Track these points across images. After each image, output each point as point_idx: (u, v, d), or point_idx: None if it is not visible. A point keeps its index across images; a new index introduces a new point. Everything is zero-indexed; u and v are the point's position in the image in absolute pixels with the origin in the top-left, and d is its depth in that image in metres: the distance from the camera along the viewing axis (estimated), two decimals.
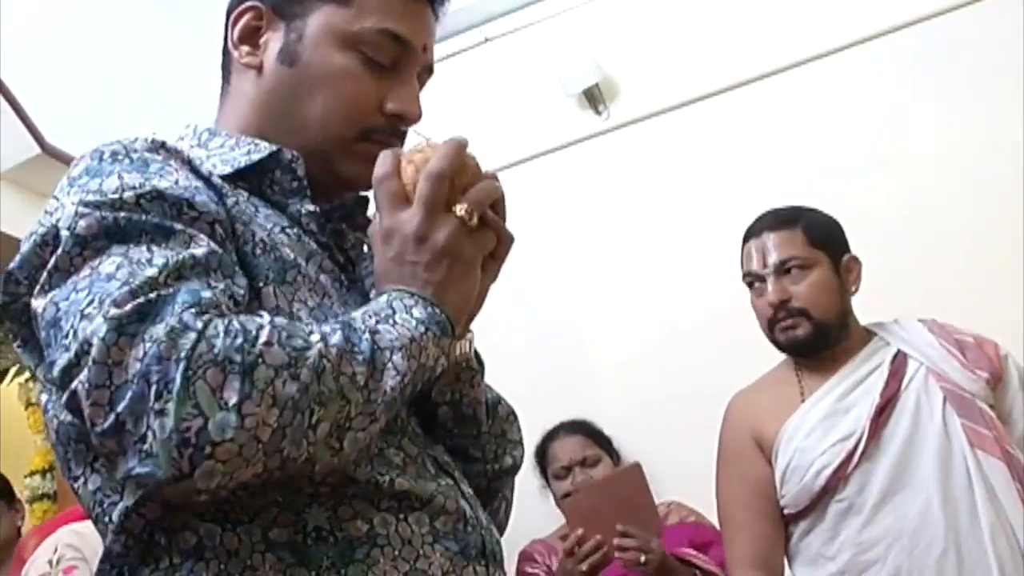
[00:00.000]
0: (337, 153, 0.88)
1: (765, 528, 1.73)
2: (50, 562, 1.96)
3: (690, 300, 2.78)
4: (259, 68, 0.90)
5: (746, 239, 1.80)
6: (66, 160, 2.60)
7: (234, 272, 0.72)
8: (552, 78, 3.04)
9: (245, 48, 0.91)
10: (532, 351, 2.89)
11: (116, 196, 0.70)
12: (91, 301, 0.64)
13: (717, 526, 1.91)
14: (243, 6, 0.91)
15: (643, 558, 1.94)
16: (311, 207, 0.84)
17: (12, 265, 0.74)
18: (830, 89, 2.77)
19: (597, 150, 3.04)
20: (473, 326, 0.87)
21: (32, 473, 3.31)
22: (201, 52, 3.34)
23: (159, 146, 0.78)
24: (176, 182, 0.74)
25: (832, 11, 2.80)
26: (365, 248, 0.90)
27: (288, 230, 0.81)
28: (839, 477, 1.65)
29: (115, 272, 0.65)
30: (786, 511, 1.72)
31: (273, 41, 0.90)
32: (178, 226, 0.70)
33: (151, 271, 0.65)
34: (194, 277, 0.67)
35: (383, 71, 0.89)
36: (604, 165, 3.03)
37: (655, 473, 2.21)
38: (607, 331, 2.91)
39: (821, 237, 1.76)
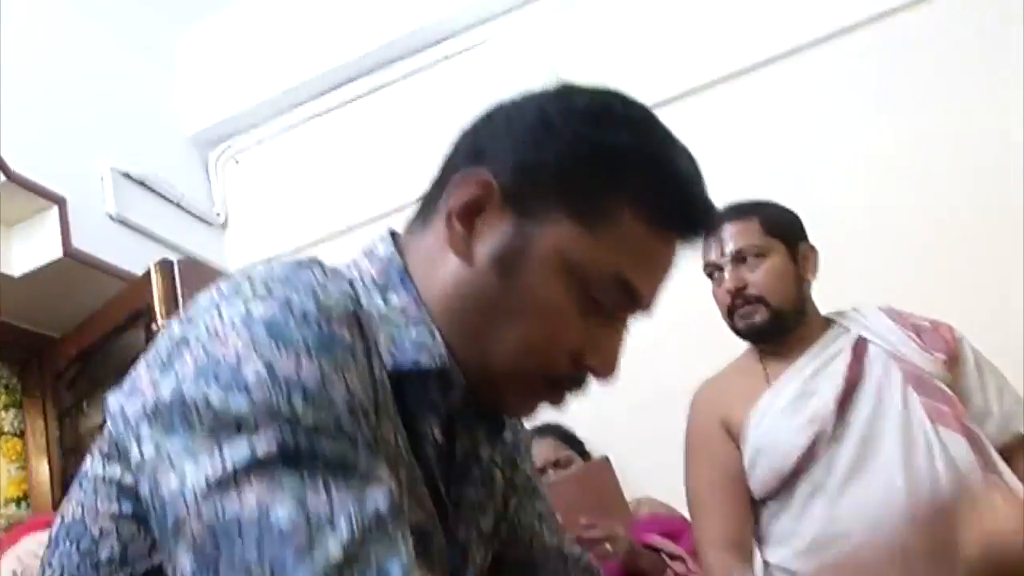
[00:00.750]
0: (511, 383, 0.78)
1: (735, 509, 1.77)
2: (14, 572, 1.87)
3: (661, 302, 2.80)
4: (467, 257, 0.76)
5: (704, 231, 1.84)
6: (31, 188, 2.62)
7: (402, 510, 0.64)
8: (512, 90, 3.07)
9: (458, 226, 0.77)
10: None
11: (298, 401, 0.61)
12: (262, 566, 0.57)
13: (688, 517, 1.94)
14: (474, 173, 0.77)
15: (608, 546, 1.96)
16: (440, 438, 0.76)
17: (128, 397, 0.66)
18: (791, 89, 2.82)
19: None
20: None
21: (7, 502, 3.29)
22: (163, 78, 3.40)
23: (354, 322, 0.68)
24: (355, 389, 0.65)
25: (790, 11, 2.86)
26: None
27: (400, 441, 0.72)
28: (807, 459, 1.69)
29: (291, 530, 0.57)
30: (756, 495, 1.76)
31: (493, 233, 0.76)
32: (359, 459, 0.62)
33: (335, 541, 0.57)
34: (384, 540, 0.59)
35: (596, 316, 0.77)
36: None
37: (627, 474, 2.24)
38: None
39: (777, 226, 1.81)
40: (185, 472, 0.60)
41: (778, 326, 1.77)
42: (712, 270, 1.82)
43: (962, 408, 1.71)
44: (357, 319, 0.68)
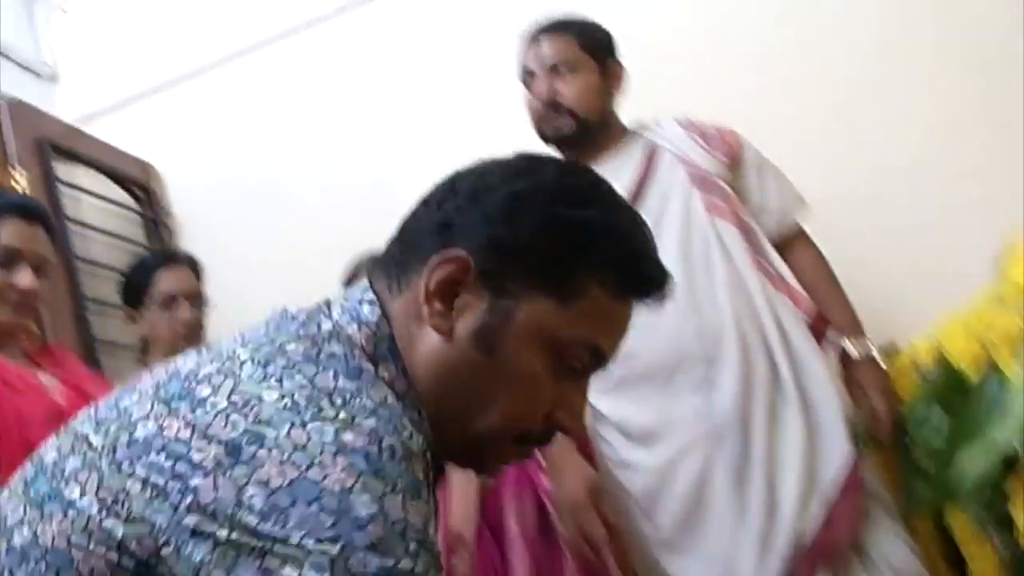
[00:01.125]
0: (490, 450, 0.84)
1: None
2: None
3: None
4: (448, 334, 0.79)
5: (525, 40, 2.00)
6: None
7: None
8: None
9: (438, 305, 0.80)
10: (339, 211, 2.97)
11: (409, 549, 0.66)
12: None
13: None
14: (451, 255, 0.79)
15: None
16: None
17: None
18: None
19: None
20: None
21: None
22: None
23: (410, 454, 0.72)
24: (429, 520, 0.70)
25: None
26: None
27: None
28: None
29: None
30: None
31: (471, 311, 0.79)
32: None
33: None
34: None
35: (566, 378, 0.83)
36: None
37: None
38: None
39: (591, 43, 1.97)
40: None
41: (584, 136, 1.94)
42: (526, 77, 1.97)
43: (739, 203, 1.93)
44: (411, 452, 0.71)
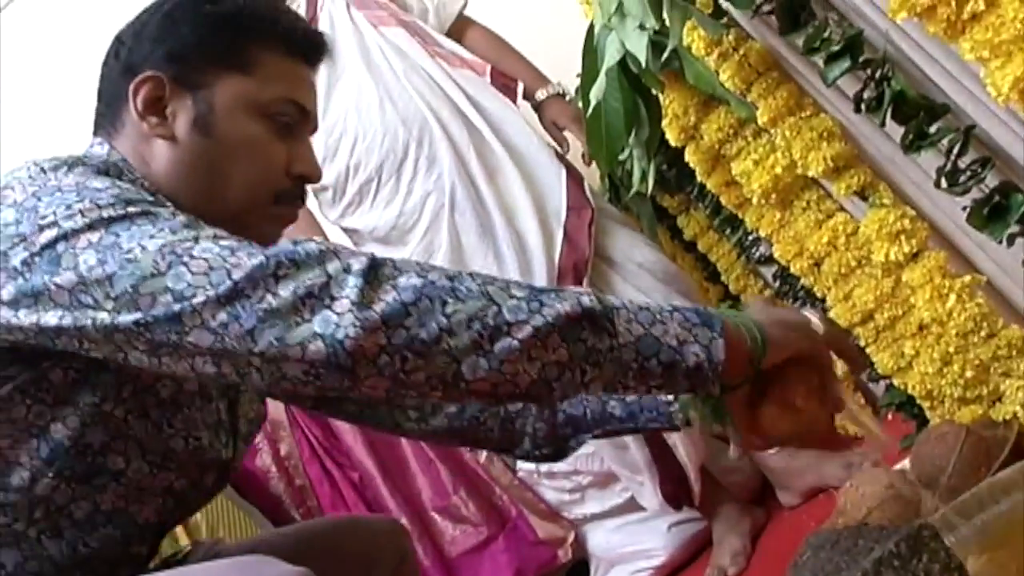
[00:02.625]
0: (254, 217, 0.97)
1: None
2: None
3: None
4: (171, 138, 0.95)
5: None
6: None
7: None
8: None
9: (153, 119, 0.95)
10: None
11: None
12: None
13: None
14: (142, 76, 0.95)
15: None
16: None
17: None
18: None
19: None
20: None
21: None
22: None
23: None
24: None
25: None
26: None
27: None
28: None
29: None
30: None
31: (182, 111, 0.95)
32: None
33: None
34: None
35: (287, 136, 0.98)
36: None
37: None
38: None
39: None
40: None
41: None
42: None
43: (396, 9, 2.11)
44: None
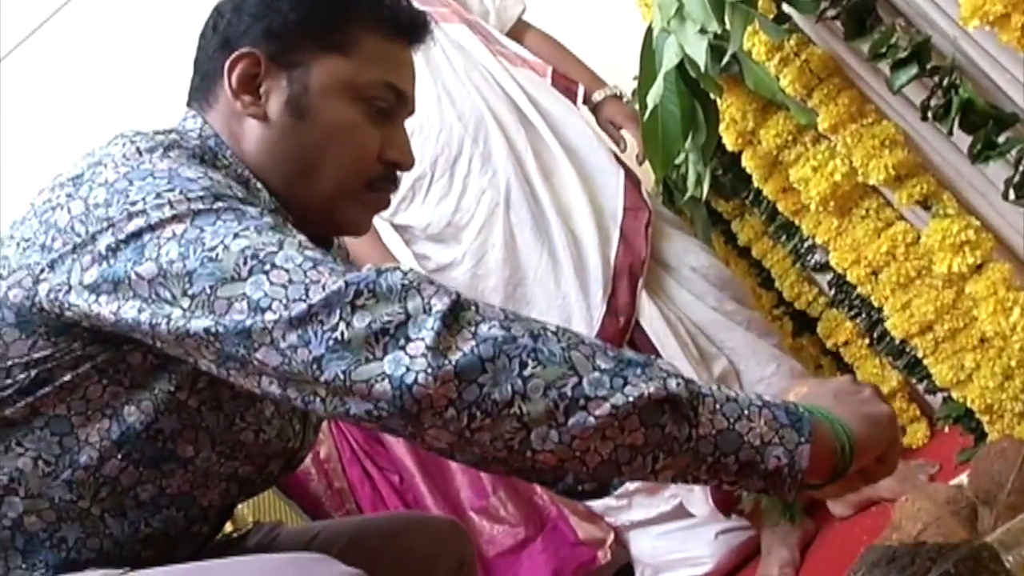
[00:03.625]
0: (343, 202, 0.95)
1: None
2: None
3: None
4: (264, 118, 0.93)
5: None
6: None
7: None
8: None
9: (247, 97, 0.93)
10: None
11: None
12: None
13: None
14: (238, 53, 0.93)
15: None
16: None
17: None
18: None
19: None
20: None
21: None
22: None
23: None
24: None
25: None
26: None
27: None
28: None
29: None
30: None
31: (276, 91, 0.93)
32: None
33: None
34: None
35: (382, 121, 0.95)
36: None
37: None
38: None
39: None
40: None
41: None
42: None
43: (459, 7, 2.11)
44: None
